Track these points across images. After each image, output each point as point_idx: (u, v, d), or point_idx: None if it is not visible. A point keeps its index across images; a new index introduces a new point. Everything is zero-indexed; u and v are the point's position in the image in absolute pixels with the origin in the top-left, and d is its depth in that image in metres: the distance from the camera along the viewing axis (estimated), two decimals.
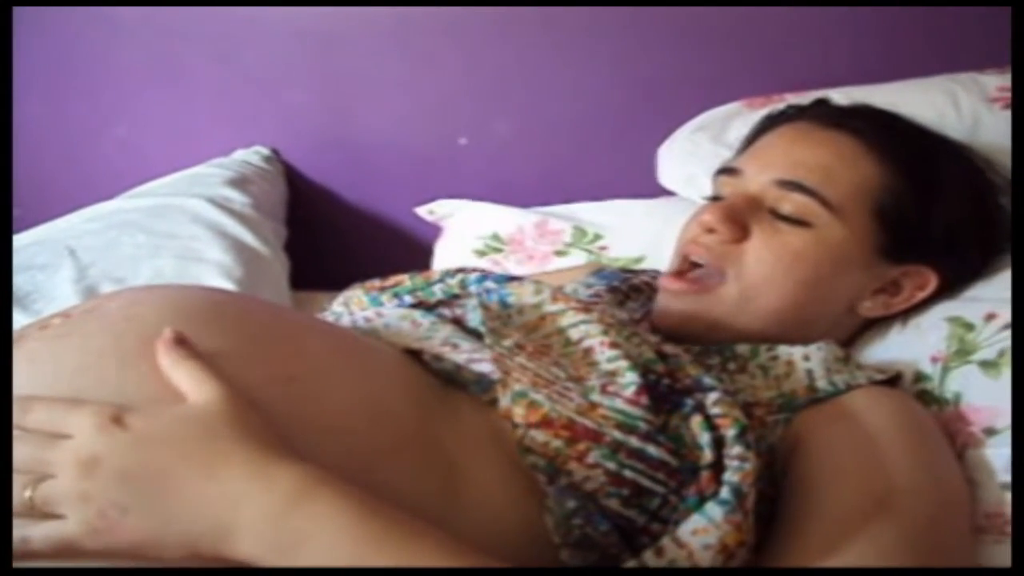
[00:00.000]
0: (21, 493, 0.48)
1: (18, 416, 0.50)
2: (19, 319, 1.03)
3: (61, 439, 0.49)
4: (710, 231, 0.81)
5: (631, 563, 0.56)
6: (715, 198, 0.87)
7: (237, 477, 0.49)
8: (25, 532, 0.48)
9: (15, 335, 0.57)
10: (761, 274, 0.79)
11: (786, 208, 0.80)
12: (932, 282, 0.82)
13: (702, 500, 0.59)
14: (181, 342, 0.53)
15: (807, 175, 0.80)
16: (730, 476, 0.59)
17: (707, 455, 0.61)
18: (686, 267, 0.83)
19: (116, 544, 0.48)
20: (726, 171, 0.87)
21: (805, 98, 1.11)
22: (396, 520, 0.50)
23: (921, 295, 0.83)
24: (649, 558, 0.56)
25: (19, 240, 1.24)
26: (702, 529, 0.56)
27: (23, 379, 0.52)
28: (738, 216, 0.80)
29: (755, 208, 0.81)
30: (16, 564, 0.47)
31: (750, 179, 0.84)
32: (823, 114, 0.89)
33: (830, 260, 0.80)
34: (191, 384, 0.52)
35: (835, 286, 0.82)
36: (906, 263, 0.82)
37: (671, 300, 0.82)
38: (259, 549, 0.48)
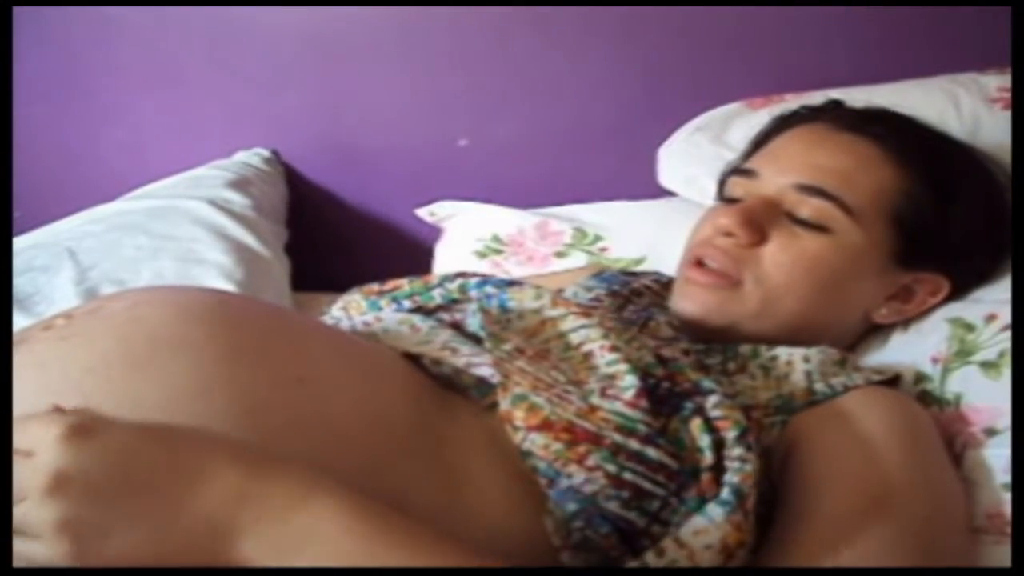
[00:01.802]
0: (13, 511, 0.45)
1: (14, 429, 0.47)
2: (20, 321, 1.03)
3: (28, 458, 0.45)
4: (727, 234, 0.80)
5: (632, 564, 0.56)
6: (728, 199, 0.86)
7: (232, 480, 0.47)
8: (18, 548, 0.45)
9: (17, 337, 0.57)
10: (780, 279, 0.79)
11: (804, 212, 0.80)
12: (944, 288, 0.82)
13: (703, 502, 0.59)
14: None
15: (827, 180, 0.79)
16: (730, 477, 0.60)
17: (707, 457, 0.61)
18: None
19: (105, 564, 0.45)
20: (740, 172, 0.86)
21: (805, 98, 1.12)
22: (396, 521, 0.50)
23: (933, 300, 0.82)
24: (650, 558, 0.56)
25: (20, 242, 1.24)
26: (703, 530, 0.56)
27: (29, 382, 0.52)
28: (756, 220, 0.79)
29: (772, 212, 0.80)
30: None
31: (766, 181, 0.83)
32: (840, 117, 0.88)
33: (847, 266, 0.79)
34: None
35: (851, 292, 0.81)
36: (919, 270, 0.82)
37: (694, 292, 0.81)
38: (260, 552, 0.47)
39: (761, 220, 0.80)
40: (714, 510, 0.57)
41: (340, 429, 0.56)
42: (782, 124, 0.91)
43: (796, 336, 0.79)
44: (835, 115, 0.89)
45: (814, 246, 0.79)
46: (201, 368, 0.53)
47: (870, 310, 0.83)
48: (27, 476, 0.44)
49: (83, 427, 0.45)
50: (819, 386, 0.72)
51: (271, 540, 0.47)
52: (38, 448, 0.45)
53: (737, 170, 0.87)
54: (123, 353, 0.53)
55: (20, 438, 0.46)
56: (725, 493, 0.58)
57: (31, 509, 0.44)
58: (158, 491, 0.46)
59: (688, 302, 0.81)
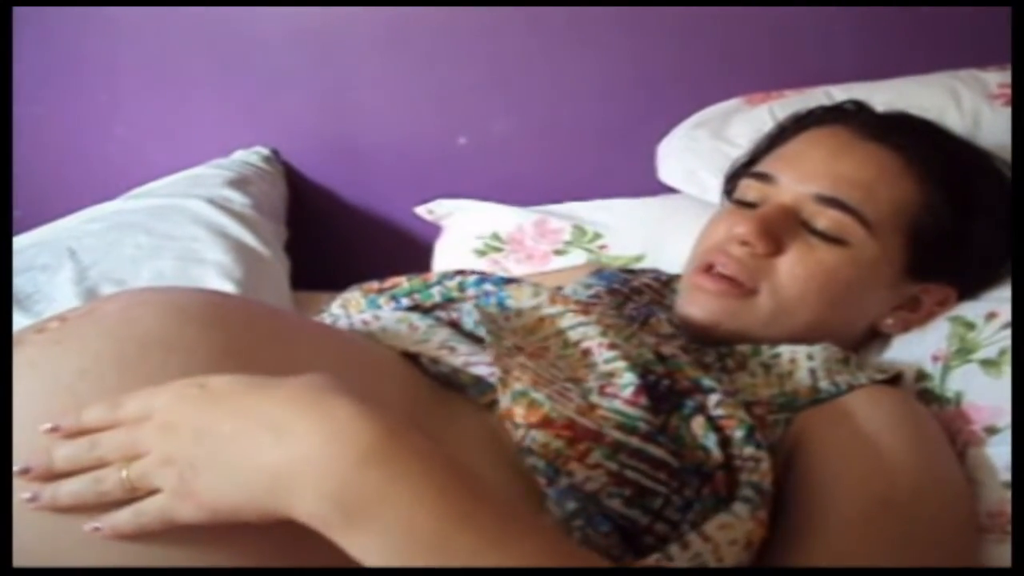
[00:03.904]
0: (117, 475, 0.48)
1: (111, 414, 0.50)
2: (20, 320, 1.03)
3: (148, 417, 0.49)
4: (743, 243, 0.78)
5: (655, 556, 0.56)
6: (741, 203, 0.84)
7: (304, 431, 0.45)
8: (137, 506, 0.47)
9: (15, 338, 0.57)
10: (795, 291, 0.78)
11: (821, 223, 0.78)
12: (952, 298, 0.82)
13: (719, 500, 0.60)
14: None
15: (849, 192, 0.78)
16: (749, 476, 0.60)
17: (716, 456, 0.62)
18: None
19: (199, 509, 0.47)
20: (757, 176, 0.84)
21: (805, 95, 1.11)
22: (481, 500, 0.46)
23: (940, 311, 0.82)
24: (674, 551, 0.56)
25: (20, 241, 1.23)
26: (728, 524, 0.57)
27: (22, 384, 0.52)
28: (774, 230, 0.78)
29: (789, 221, 0.79)
30: (124, 542, 0.47)
31: (785, 188, 0.81)
32: (863, 123, 0.85)
33: (861, 279, 0.78)
34: None
35: (862, 304, 0.81)
36: (929, 281, 0.81)
37: (703, 299, 0.79)
38: (322, 508, 0.44)
39: (778, 230, 0.78)
40: (739, 507, 0.58)
41: None
42: (800, 125, 0.89)
43: (800, 342, 0.77)
44: (857, 121, 0.86)
45: (830, 259, 0.78)
46: (191, 369, 0.53)
47: (877, 320, 0.83)
48: (147, 428, 0.49)
49: (201, 383, 0.49)
50: (824, 384, 0.71)
51: (333, 497, 0.44)
52: (162, 404, 0.49)
53: (753, 173, 0.85)
54: (115, 355, 0.53)
55: (152, 403, 0.49)
56: (748, 491, 0.59)
57: (150, 455, 0.48)
58: (235, 440, 0.47)
59: (696, 308, 0.80)
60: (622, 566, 0.56)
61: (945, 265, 0.81)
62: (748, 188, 0.84)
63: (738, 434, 0.63)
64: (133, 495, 0.48)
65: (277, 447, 0.45)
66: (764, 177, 0.83)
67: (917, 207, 0.79)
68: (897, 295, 0.82)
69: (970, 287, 0.82)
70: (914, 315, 0.82)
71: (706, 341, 0.79)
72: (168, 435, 0.48)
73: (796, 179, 0.81)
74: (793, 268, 0.78)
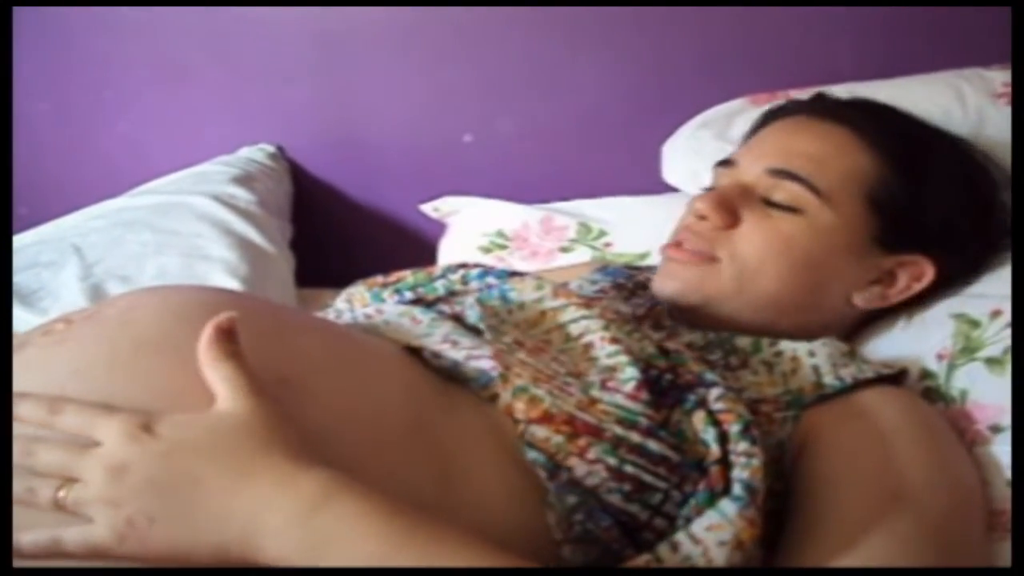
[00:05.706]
0: (54, 494, 0.48)
1: (47, 416, 0.50)
2: (25, 317, 1.04)
3: (91, 446, 0.49)
4: (701, 218, 0.82)
5: (645, 557, 0.56)
6: (711, 189, 0.88)
7: (262, 486, 0.49)
8: (57, 533, 0.48)
9: (20, 340, 0.57)
10: (754, 257, 0.80)
11: (778, 196, 0.81)
12: (928, 273, 0.82)
13: (712, 496, 0.59)
14: (227, 337, 0.52)
15: (799, 163, 0.81)
16: (740, 473, 0.60)
17: (714, 450, 0.61)
18: None
19: (145, 551, 0.48)
20: (723, 163, 0.88)
21: (808, 95, 1.12)
22: (420, 521, 0.50)
23: (918, 286, 0.82)
24: (664, 553, 0.56)
25: (24, 238, 1.24)
26: (716, 525, 0.57)
27: (16, 383, 0.52)
28: (728, 203, 0.82)
29: (747, 196, 0.82)
30: (47, 563, 0.48)
31: (744, 169, 0.85)
32: (820, 107, 0.90)
33: (821, 245, 0.80)
34: (224, 388, 0.51)
35: (828, 273, 0.81)
36: (901, 252, 0.82)
37: (670, 268, 0.83)
38: (286, 552, 0.48)
39: (734, 203, 0.82)
40: (727, 506, 0.57)
41: (325, 426, 0.55)
42: (768, 118, 0.93)
43: (779, 318, 0.80)
44: (816, 106, 0.92)
45: (786, 226, 0.80)
46: (180, 368, 0.53)
47: (851, 294, 0.83)
48: (91, 462, 0.48)
49: (148, 426, 0.49)
50: (828, 379, 0.72)
51: (295, 541, 0.48)
52: (107, 440, 0.49)
53: (720, 161, 0.89)
54: (108, 356, 0.54)
55: (92, 428, 0.49)
56: (737, 489, 0.59)
57: (90, 489, 0.48)
58: (197, 494, 0.48)
59: (667, 280, 0.83)
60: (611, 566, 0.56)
61: (910, 233, 0.82)
62: (716, 175, 0.89)
63: (735, 428, 0.63)
64: (59, 512, 0.48)
65: (237, 503, 0.48)
66: (727, 163, 0.88)
67: (870, 175, 0.82)
68: (871, 268, 0.82)
69: (946, 262, 0.82)
70: (890, 290, 0.83)
71: (686, 319, 0.80)
72: (117, 478, 0.48)
73: (753, 159, 0.85)
74: (751, 235, 0.81)
